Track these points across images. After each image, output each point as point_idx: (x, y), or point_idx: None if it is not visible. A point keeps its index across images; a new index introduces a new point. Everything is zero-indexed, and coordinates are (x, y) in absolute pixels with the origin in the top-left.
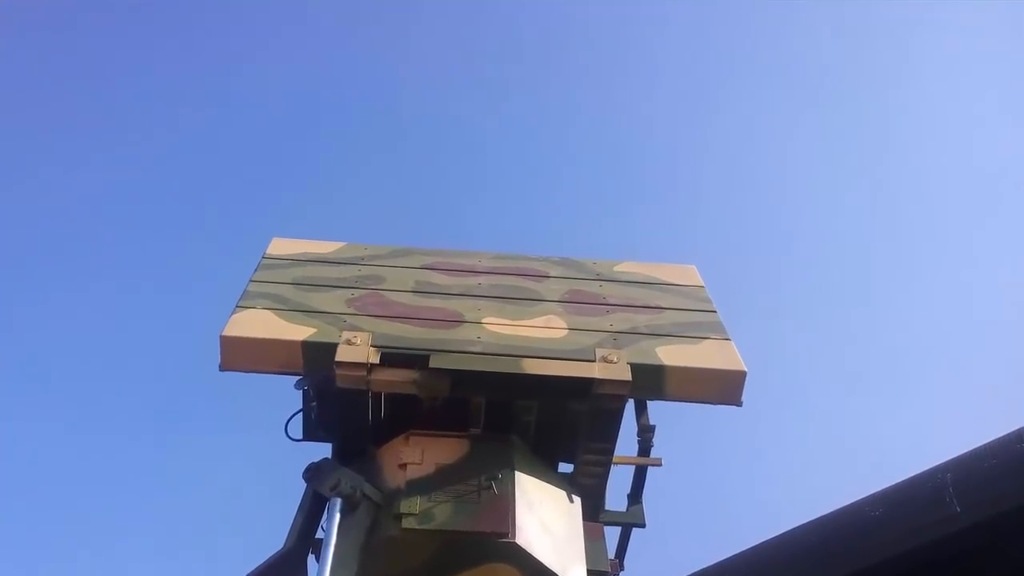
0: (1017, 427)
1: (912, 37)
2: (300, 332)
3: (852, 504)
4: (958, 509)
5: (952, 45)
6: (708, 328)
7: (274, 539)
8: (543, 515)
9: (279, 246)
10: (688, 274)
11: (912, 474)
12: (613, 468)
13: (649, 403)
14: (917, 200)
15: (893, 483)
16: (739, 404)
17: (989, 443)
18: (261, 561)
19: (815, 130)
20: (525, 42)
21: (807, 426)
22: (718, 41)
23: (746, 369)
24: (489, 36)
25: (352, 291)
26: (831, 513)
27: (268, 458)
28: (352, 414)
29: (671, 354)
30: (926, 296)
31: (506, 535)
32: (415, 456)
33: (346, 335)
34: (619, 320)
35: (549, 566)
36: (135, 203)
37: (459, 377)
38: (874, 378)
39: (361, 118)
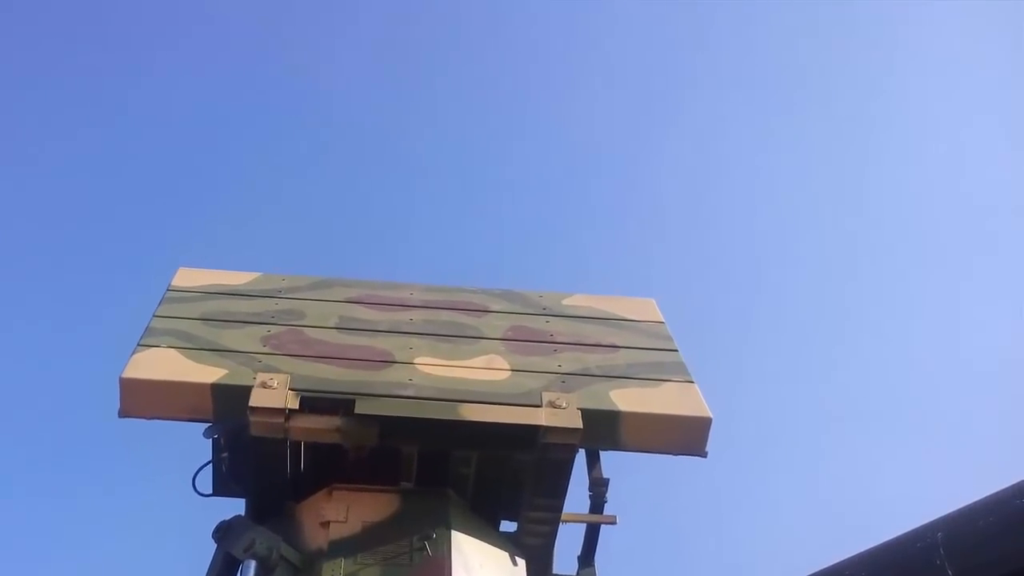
0: (1015, 481)
1: (896, 37)
2: (209, 374)
3: (832, 568)
4: (950, 574)
5: (942, 45)
6: (669, 369)
7: None
8: None
9: (186, 277)
10: (646, 308)
11: (898, 533)
12: (562, 526)
13: (603, 453)
14: (903, 223)
15: (877, 543)
16: (703, 455)
17: (984, 499)
18: None
19: (788, 143)
20: (459, 53)
21: (781, 478)
22: (676, 44)
23: (711, 415)
24: (421, 47)
25: (268, 327)
26: None
27: (174, 516)
28: (268, 466)
29: (627, 398)
30: (912, 332)
31: None
32: (339, 513)
33: (261, 377)
34: (568, 360)
35: None
36: (14, 227)
37: (388, 424)
38: (854, 424)
39: (279, 134)
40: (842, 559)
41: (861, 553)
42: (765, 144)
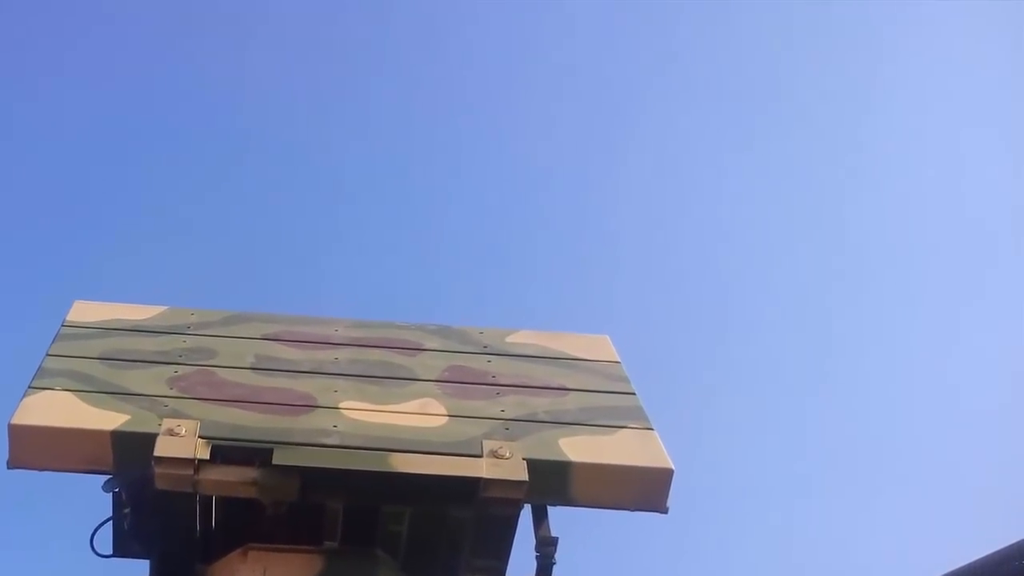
0: (1016, 539)
1: (884, 38)
2: (109, 420)
3: None
4: None
5: (936, 46)
6: (625, 414)
7: None
8: None
9: (82, 311)
10: (600, 346)
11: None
12: None
13: (551, 509)
14: (890, 250)
15: None
16: (664, 510)
17: (980, 560)
18: None
19: (761, 159)
20: (390, 55)
21: (753, 537)
22: (635, 51)
23: (673, 467)
24: (346, 46)
25: (175, 368)
26: None
27: None
28: (175, 523)
29: (578, 447)
30: (898, 376)
31: None
32: None
33: (167, 423)
34: (512, 404)
35: None
36: None
37: (310, 476)
38: (834, 477)
39: (181, 146)
40: None
41: None
42: (735, 160)
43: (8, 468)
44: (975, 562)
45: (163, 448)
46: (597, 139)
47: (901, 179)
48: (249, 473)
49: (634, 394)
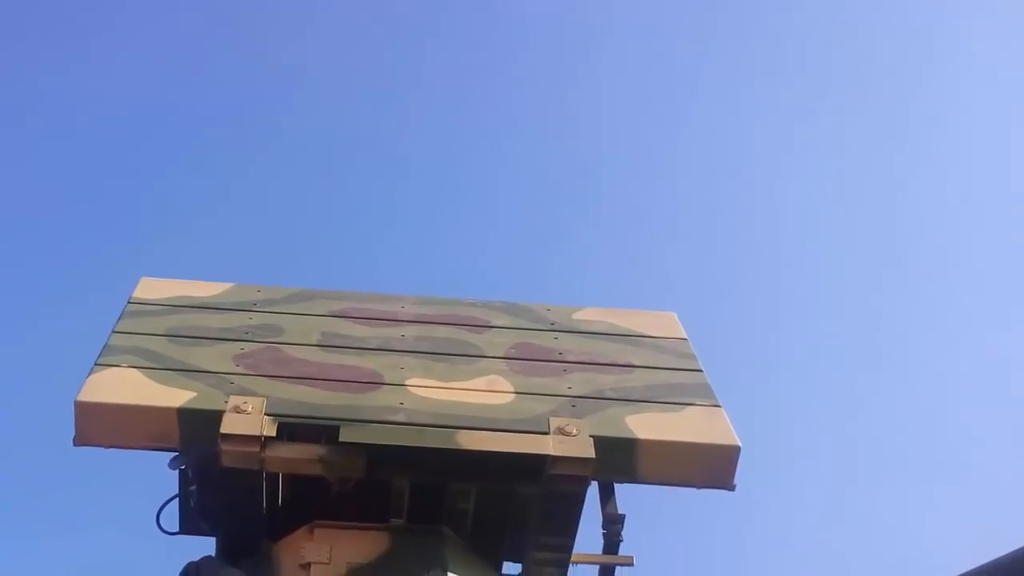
0: None
1: (935, 25)
2: (176, 397)
3: None
4: None
5: (989, 34)
6: (692, 391)
7: None
8: None
9: (148, 288)
10: (667, 323)
11: None
12: (572, 568)
13: (618, 487)
14: (944, 234)
15: None
16: (731, 488)
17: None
18: None
19: (818, 142)
20: (450, 41)
21: (819, 515)
22: (690, 33)
23: (740, 444)
24: (407, 32)
25: (241, 345)
26: None
27: (136, 557)
28: (241, 500)
29: (645, 424)
30: (958, 358)
31: None
32: (321, 553)
33: (234, 401)
34: (579, 382)
35: None
36: None
37: (377, 454)
38: (891, 455)
39: (245, 124)
40: None
41: None
42: (791, 144)
43: (75, 445)
44: (1000, 558)
45: (229, 425)
46: (654, 113)
47: (964, 154)
48: (315, 450)
49: (701, 371)
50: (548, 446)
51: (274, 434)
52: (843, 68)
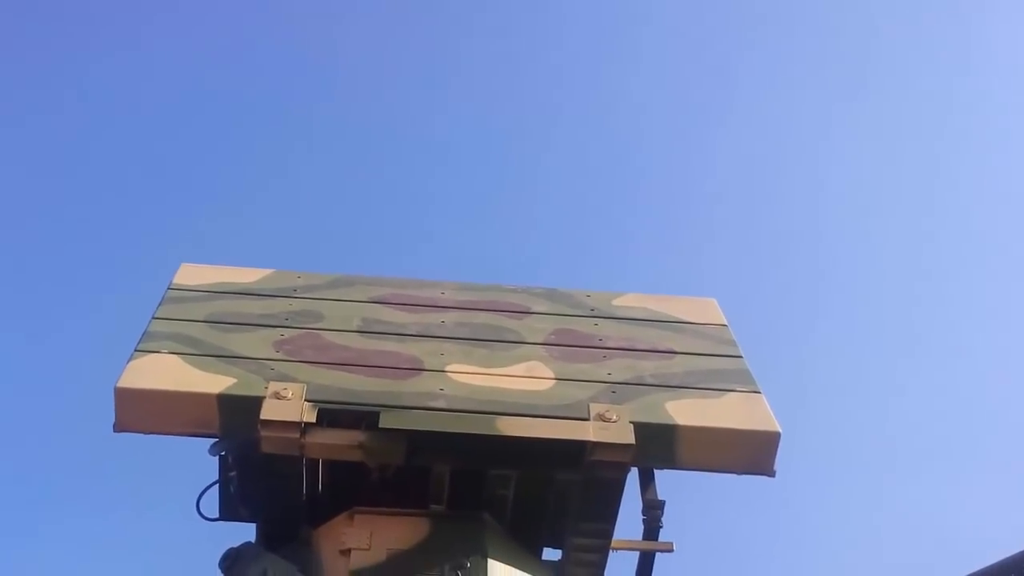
0: None
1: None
2: (216, 383)
3: None
4: None
5: None
6: (732, 378)
7: None
8: None
9: (189, 274)
10: (707, 309)
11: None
12: (612, 555)
13: (658, 473)
14: (988, 224)
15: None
16: (771, 474)
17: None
18: None
19: (858, 128)
20: (487, 30)
21: (858, 502)
22: (731, 20)
23: (780, 430)
24: (443, 22)
25: (281, 331)
26: None
27: (176, 543)
28: (281, 486)
29: (685, 410)
30: (999, 345)
31: None
32: (361, 539)
33: (274, 387)
34: (619, 368)
35: None
36: None
37: (417, 440)
38: (929, 443)
39: (284, 113)
40: None
41: None
42: (831, 130)
43: (114, 432)
44: (1006, 559)
45: (269, 411)
46: (694, 100)
47: (1006, 139)
48: (355, 436)
49: (741, 357)
50: (588, 432)
51: (314, 420)
52: (884, 53)
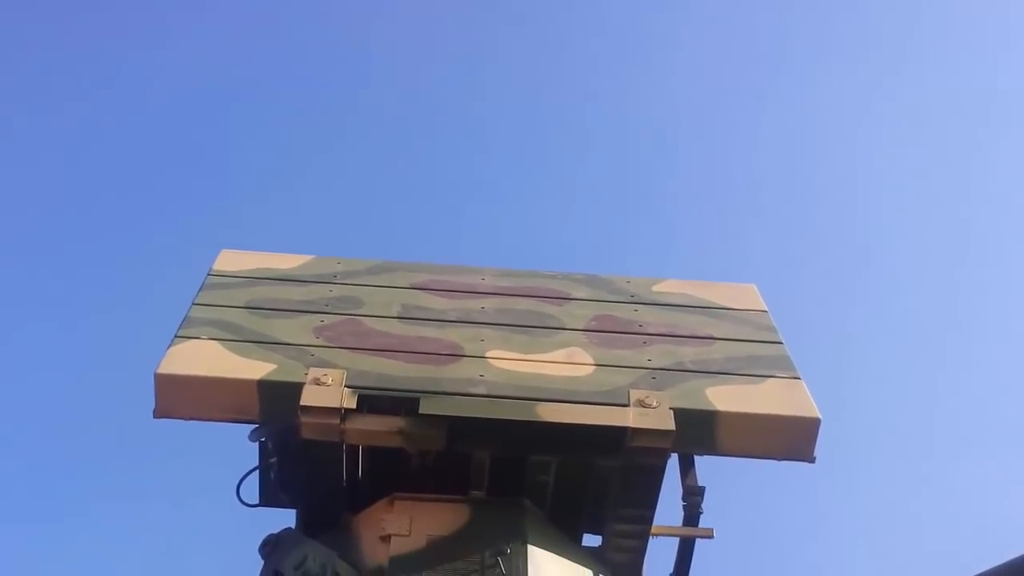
0: None
1: None
2: (256, 369)
3: None
4: None
5: None
6: (772, 364)
7: None
8: None
9: (229, 260)
10: (747, 295)
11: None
12: (652, 541)
13: (698, 459)
14: None
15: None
16: (811, 460)
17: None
18: None
19: (899, 112)
20: (527, 9)
21: (900, 488)
22: (772, 4)
23: (820, 416)
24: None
25: (321, 317)
26: None
27: (216, 529)
28: (321, 472)
29: (725, 396)
30: None
31: None
32: (401, 525)
33: (314, 373)
34: (659, 354)
35: None
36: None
37: (457, 426)
38: (975, 430)
39: (324, 96)
40: None
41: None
42: (874, 117)
43: (154, 418)
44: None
45: (309, 397)
46: (736, 84)
47: None
48: (395, 423)
49: (781, 343)
50: (628, 418)
51: (354, 406)
52: (925, 35)
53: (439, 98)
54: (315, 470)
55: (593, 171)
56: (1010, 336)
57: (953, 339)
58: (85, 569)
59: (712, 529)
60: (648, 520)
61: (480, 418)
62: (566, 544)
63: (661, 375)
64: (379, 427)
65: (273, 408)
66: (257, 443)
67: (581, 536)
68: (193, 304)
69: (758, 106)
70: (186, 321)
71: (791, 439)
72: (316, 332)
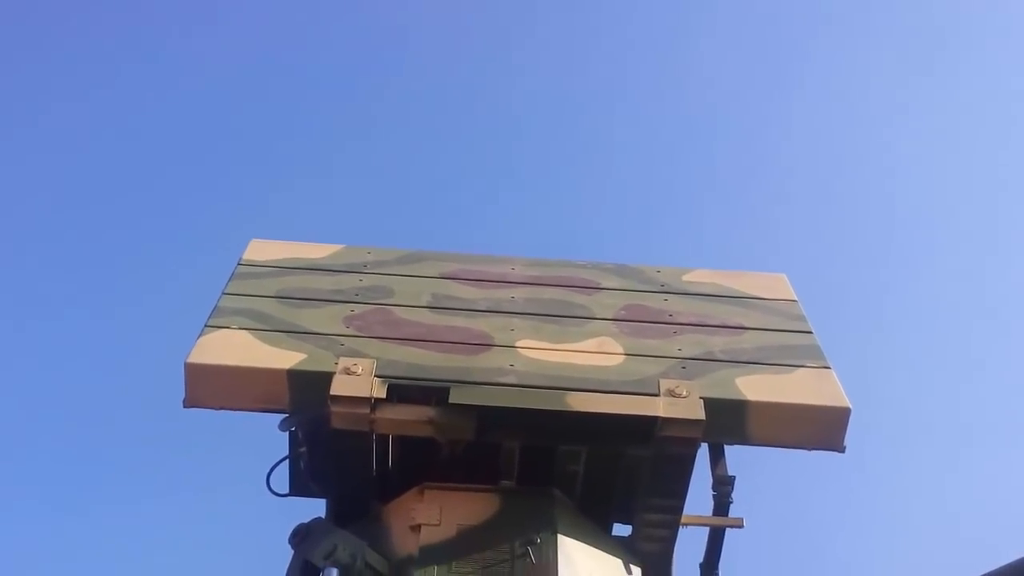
0: None
1: None
2: (286, 359)
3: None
4: None
5: None
6: (802, 353)
7: None
8: None
9: (259, 249)
10: (777, 285)
11: None
12: (682, 530)
13: (728, 448)
14: None
15: None
16: (841, 450)
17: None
18: None
19: (931, 102)
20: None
21: (933, 479)
22: None
23: (851, 405)
24: None
25: (352, 306)
26: None
27: (246, 518)
28: (351, 462)
29: (755, 386)
30: None
31: None
32: (431, 515)
33: (344, 362)
34: (689, 343)
35: None
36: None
37: (487, 415)
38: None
39: (352, 85)
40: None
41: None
42: (904, 105)
43: (184, 407)
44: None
45: (339, 387)
46: (766, 73)
47: None
48: (425, 412)
49: (811, 333)
50: (658, 408)
51: (384, 396)
52: (956, 26)
53: (470, 87)
54: (345, 460)
55: (623, 160)
56: None
57: (984, 328)
58: (116, 560)
59: (742, 519)
60: (678, 510)
61: (510, 407)
62: (596, 534)
63: (691, 364)
64: (409, 416)
65: (303, 398)
66: (287, 433)
67: (611, 526)
68: (223, 294)
69: (789, 94)
70: (216, 311)
71: (821, 429)
72: (346, 322)
